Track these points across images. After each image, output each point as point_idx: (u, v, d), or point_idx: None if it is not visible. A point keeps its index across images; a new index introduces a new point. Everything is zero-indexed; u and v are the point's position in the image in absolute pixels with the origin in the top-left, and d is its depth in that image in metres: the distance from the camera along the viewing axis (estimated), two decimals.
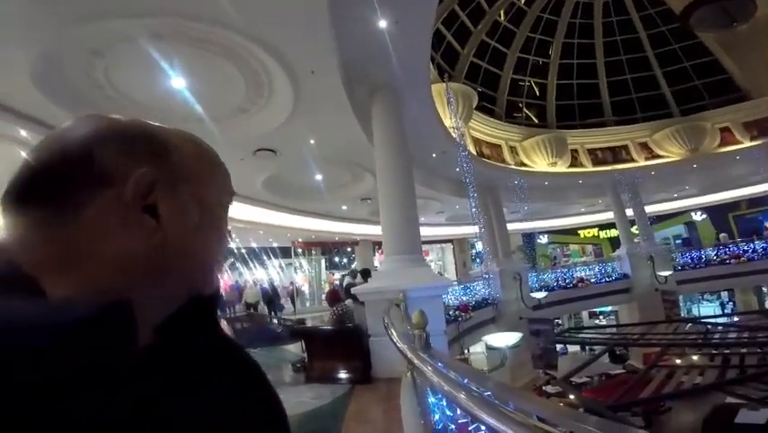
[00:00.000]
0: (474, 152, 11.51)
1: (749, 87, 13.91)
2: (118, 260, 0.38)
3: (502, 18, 13.76)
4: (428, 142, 8.97)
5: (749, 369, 6.82)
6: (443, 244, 21.79)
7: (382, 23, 5.10)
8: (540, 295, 11.63)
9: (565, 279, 13.58)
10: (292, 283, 17.09)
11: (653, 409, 6.04)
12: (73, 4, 3.71)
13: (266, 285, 13.99)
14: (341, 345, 4.91)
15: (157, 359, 0.38)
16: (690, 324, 12.17)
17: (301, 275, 18.04)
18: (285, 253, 17.61)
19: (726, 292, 17.95)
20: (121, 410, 0.32)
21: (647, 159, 14.35)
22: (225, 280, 14.93)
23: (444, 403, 2.23)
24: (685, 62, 14.88)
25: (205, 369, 0.43)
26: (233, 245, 14.92)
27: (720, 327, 11.30)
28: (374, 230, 14.27)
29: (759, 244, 13.37)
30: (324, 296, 14.97)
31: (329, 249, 18.46)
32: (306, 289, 17.80)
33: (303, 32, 4.49)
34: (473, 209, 9.39)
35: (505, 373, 9.08)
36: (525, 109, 15.32)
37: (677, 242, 19.90)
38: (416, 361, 1.73)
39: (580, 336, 13.51)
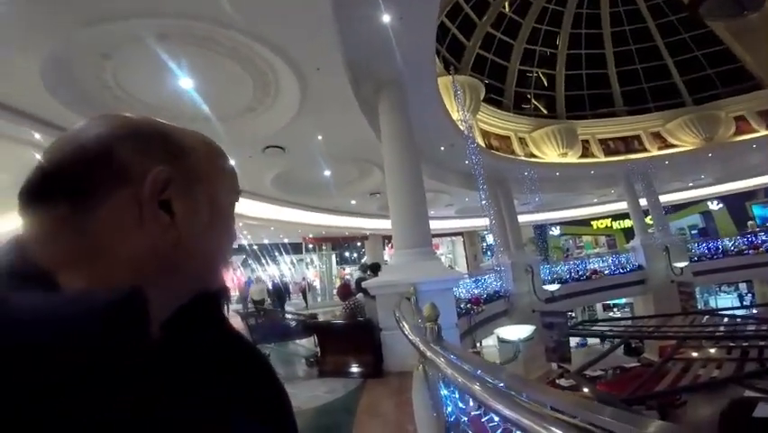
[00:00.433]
0: (483, 145, 11.41)
1: (762, 75, 13.59)
2: (133, 256, 0.38)
3: (507, 9, 13.57)
4: (436, 136, 8.92)
5: None
6: (454, 237, 21.71)
7: (386, 19, 5.07)
8: (553, 287, 11.51)
9: (578, 271, 13.42)
10: (304, 279, 17.23)
11: (668, 403, 5.95)
12: (80, 7, 3.75)
13: (275, 281, 14.07)
14: (353, 339, 4.94)
15: (165, 356, 0.38)
16: (707, 316, 11.93)
17: (312, 270, 18.18)
18: (296, 249, 17.76)
19: (744, 284, 17.56)
20: (126, 408, 0.32)
21: (660, 148, 14.10)
22: (239, 276, 15.12)
23: (457, 396, 2.22)
24: (696, 51, 14.59)
25: (211, 366, 0.43)
26: (245, 242, 15.09)
27: (738, 320, 11.05)
28: (383, 224, 14.30)
29: None
30: (335, 291, 15.09)
31: (339, 244, 18.55)
32: (317, 284, 17.93)
33: (307, 30, 4.48)
34: (483, 202, 9.32)
35: (518, 366, 9.04)
36: (533, 100, 15.14)
37: (693, 232, 19.51)
38: (428, 353, 1.73)
39: (594, 328, 13.34)
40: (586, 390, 6.85)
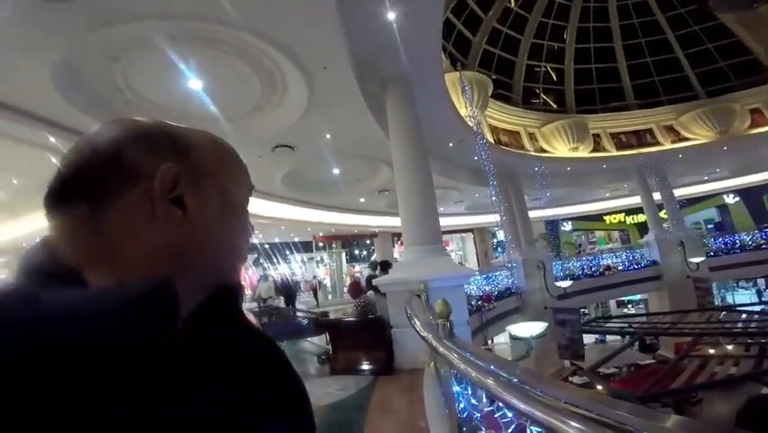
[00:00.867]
0: (492, 140, 11.33)
1: None
2: (149, 251, 0.40)
3: (512, 4, 13.43)
4: (444, 132, 8.88)
5: None
6: (464, 234, 21.59)
7: (391, 16, 5.06)
8: (565, 284, 11.38)
9: (591, 267, 13.23)
10: (314, 277, 17.32)
11: (684, 400, 5.85)
12: (89, 11, 3.81)
13: (284, 279, 14.14)
14: (364, 336, 4.95)
15: (188, 351, 0.39)
16: (724, 312, 11.68)
17: (323, 269, 18.27)
18: (306, 247, 17.87)
19: (762, 279, 17.16)
20: (156, 402, 0.34)
21: (674, 142, 13.85)
22: (251, 274, 15.28)
23: (469, 392, 2.22)
24: (708, 44, 14.29)
25: (232, 362, 0.44)
26: (256, 241, 15.24)
27: (756, 316, 10.82)
28: (392, 222, 14.29)
29: None
30: (345, 288, 15.14)
31: (349, 242, 18.60)
32: (327, 282, 18.02)
33: (313, 28, 4.50)
34: (494, 198, 9.25)
35: (530, 363, 8.97)
36: (542, 95, 14.97)
37: (709, 226, 19.13)
38: (440, 349, 1.72)
39: (608, 325, 13.16)
40: (599, 387, 6.77)
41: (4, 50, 3.94)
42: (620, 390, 6.76)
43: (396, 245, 18.09)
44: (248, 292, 14.05)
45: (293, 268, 17.12)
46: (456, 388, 2.31)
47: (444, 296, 2.45)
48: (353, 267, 18.55)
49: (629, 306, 18.74)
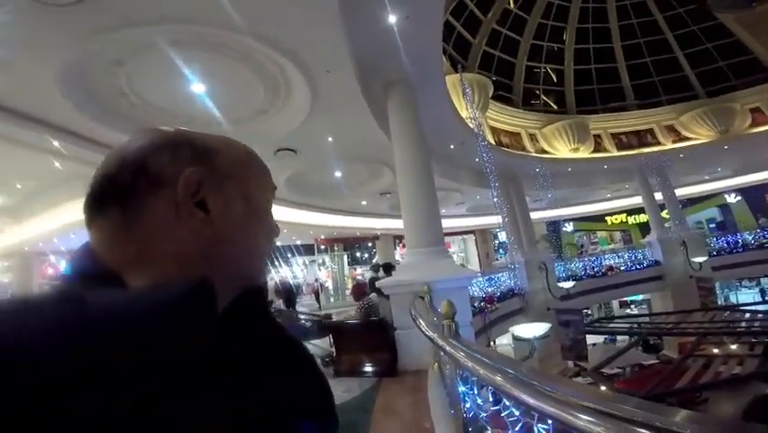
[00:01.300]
0: (493, 142, 11.35)
1: None
2: (179, 252, 0.42)
3: (512, 5, 13.49)
4: (446, 134, 8.90)
5: None
6: (465, 236, 21.57)
7: (393, 19, 5.08)
8: (567, 285, 11.37)
9: (593, 267, 13.22)
10: (317, 280, 17.30)
11: (689, 400, 5.83)
12: (93, 16, 3.83)
13: (285, 282, 14.10)
14: (367, 338, 4.95)
15: (222, 349, 0.39)
16: (727, 312, 11.64)
17: (324, 271, 18.26)
18: (308, 250, 17.85)
19: (766, 279, 17.10)
20: (191, 401, 0.34)
21: (675, 141, 13.87)
22: None
23: (475, 391, 2.23)
24: (707, 44, 14.34)
25: (263, 360, 0.45)
26: None
27: (760, 315, 10.77)
28: (394, 224, 14.29)
29: None
30: (347, 291, 15.07)
31: (351, 245, 18.60)
32: (329, 284, 18.01)
33: (316, 32, 4.52)
34: (495, 199, 9.26)
35: (533, 364, 8.94)
36: (542, 96, 15.00)
37: (711, 226, 19.08)
38: (447, 348, 1.73)
39: (611, 325, 13.13)
40: (603, 388, 6.76)
41: (9, 52, 3.97)
42: (624, 390, 6.74)
43: (398, 248, 18.08)
44: None
45: (295, 271, 17.10)
46: (462, 388, 2.32)
47: (448, 297, 2.46)
48: (355, 270, 18.53)
49: (632, 306, 18.69)
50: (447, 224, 13.71)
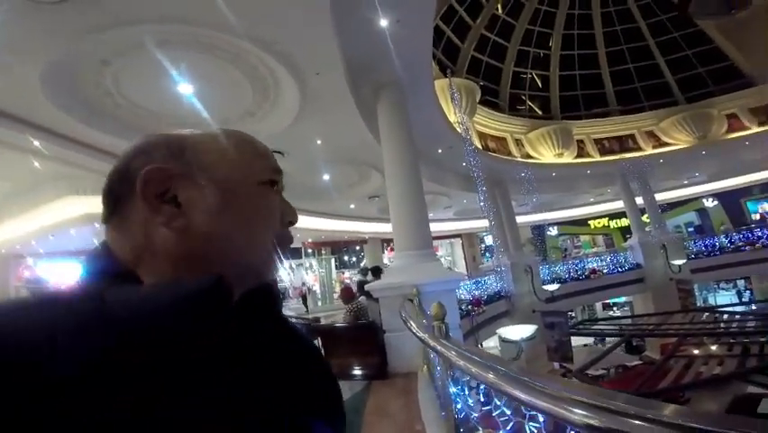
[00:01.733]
0: (480, 146, 11.47)
1: (753, 73, 13.75)
2: (165, 248, 0.43)
3: (500, 11, 13.70)
4: (434, 138, 8.97)
5: None
6: (453, 240, 21.73)
7: (384, 23, 5.10)
8: (552, 287, 11.54)
9: (577, 270, 13.42)
10: (304, 284, 17.16)
11: (672, 400, 5.94)
12: (80, 15, 3.76)
13: None
14: (357, 341, 4.93)
15: (230, 346, 0.39)
16: (706, 313, 11.97)
17: (312, 275, 18.13)
18: (295, 253, 17.69)
19: (742, 280, 17.66)
20: (202, 399, 0.34)
21: (655, 147, 14.21)
22: None
23: (466, 392, 2.24)
24: (687, 50, 14.77)
25: (275, 357, 0.46)
26: None
27: (738, 316, 11.10)
28: (382, 228, 14.29)
29: None
30: (335, 294, 14.95)
31: (338, 248, 18.52)
32: (317, 288, 17.88)
33: (307, 35, 4.52)
34: (482, 203, 9.35)
35: (520, 365, 9.03)
36: (528, 101, 15.23)
37: (689, 229, 19.63)
38: (439, 347, 1.74)
39: (595, 327, 13.37)
40: None
41: None
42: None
43: (386, 251, 18.07)
44: None
45: (281, 274, 16.91)
46: (453, 389, 2.33)
47: (437, 300, 2.48)
48: (343, 273, 18.45)
49: (614, 308, 19.05)
50: (435, 227, 13.76)
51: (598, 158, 14.19)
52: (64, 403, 0.28)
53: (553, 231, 21.72)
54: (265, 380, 0.41)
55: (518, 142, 13.47)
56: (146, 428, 0.30)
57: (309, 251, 17.97)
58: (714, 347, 7.93)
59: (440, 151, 9.78)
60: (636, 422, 0.69)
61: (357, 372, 4.74)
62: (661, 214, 14.52)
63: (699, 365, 6.99)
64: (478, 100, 11.08)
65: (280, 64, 4.95)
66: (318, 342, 5.87)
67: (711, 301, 17.63)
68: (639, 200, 14.22)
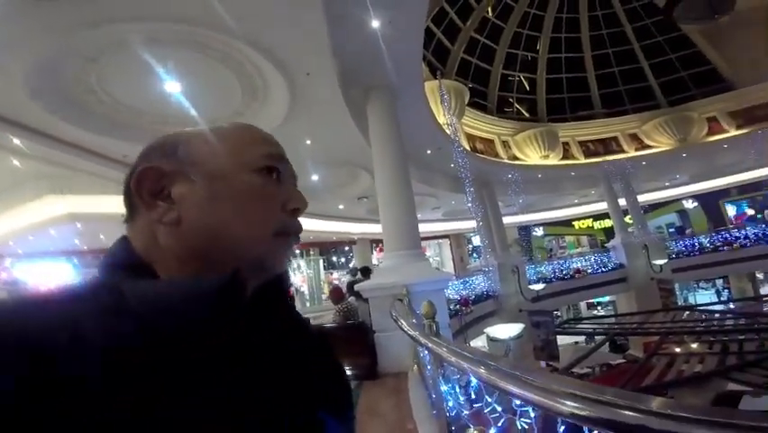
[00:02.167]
0: (468, 148, 11.57)
1: (733, 77, 14.16)
2: (166, 243, 0.44)
3: (490, 14, 13.85)
4: (423, 140, 9.01)
5: (748, 355, 6.82)
6: (441, 240, 21.83)
7: (375, 24, 5.11)
8: (538, 287, 11.71)
9: (562, 270, 13.66)
10: (291, 285, 17.02)
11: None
12: (66, 12, 3.69)
13: None
14: (347, 342, 4.92)
15: (236, 344, 0.40)
16: (687, 312, 12.27)
17: (300, 276, 18.01)
18: None
19: (721, 280, 18.15)
20: (202, 399, 0.35)
21: (637, 149, 14.50)
22: None
23: (457, 390, 2.27)
24: (670, 54, 15.14)
25: (288, 352, 0.47)
26: None
27: (717, 315, 11.40)
28: (372, 228, 14.28)
29: (751, 231, 13.57)
30: (324, 295, 14.86)
31: (327, 249, 18.44)
32: (305, 289, 17.77)
33: (298, 34, 4.50)
34: (470, 204, 9.44)
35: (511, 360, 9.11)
36: (515, 104, 15.42)
37: (670, 230, 20.11)
38: (430, 344, 1.76)
39: (579, 326, 13.59)
40: None
41: None
42: None
43: (374, 252, 18.06)
44: None
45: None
46: (444, 387, 2.35)
47: (426, 300, 2.50)
48: (331, 274, 18.37)
49: (599, 307, 19.39)
50: (423, 228, 13.79)
51: (582, 160, 14.44)
52: (64, 403, 0.28)
53: (539, 232, 22.02)
54: (266, 379, 0.41)
55: (505, 144, 13.63)
56: (146, 428, 0.30)
57: (297, 251, 17.85)
58: (695, 345, 8.12)
59: (429, 152, 9.83)
60: (628, 413, 0.71)
61: (347, 372, 4.73)
62: (643, 215, 14.87)
63: (681, 363, 7.15)
64: (467, 102, 11.18)
65: (270, 64, 4.92)
66: None
67: (691, 300, 18.09)
68: (622, 202, 14.52)
